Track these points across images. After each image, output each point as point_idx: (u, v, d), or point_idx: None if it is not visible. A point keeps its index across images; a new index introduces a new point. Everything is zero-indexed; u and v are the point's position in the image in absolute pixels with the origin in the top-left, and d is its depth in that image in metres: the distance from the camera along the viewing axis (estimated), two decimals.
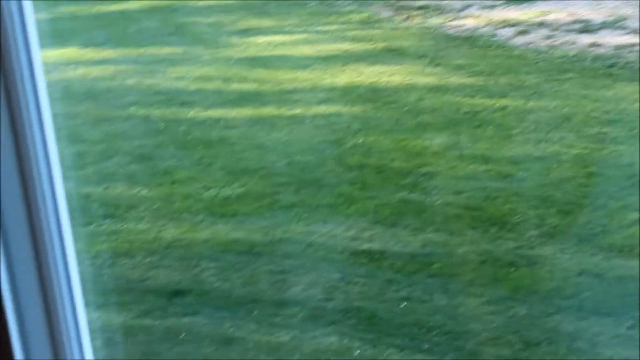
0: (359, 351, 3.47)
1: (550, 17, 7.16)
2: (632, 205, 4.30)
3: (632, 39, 6.31)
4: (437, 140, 5.32)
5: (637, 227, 4.08)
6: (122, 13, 9.16)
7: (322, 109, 6.04)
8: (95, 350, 3.68)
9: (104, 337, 3.64)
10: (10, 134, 1.06)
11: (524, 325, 3.61)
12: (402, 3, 7.99)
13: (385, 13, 8.03)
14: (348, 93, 6.37)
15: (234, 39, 7.91)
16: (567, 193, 4.54)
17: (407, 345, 3.54)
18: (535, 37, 6.77)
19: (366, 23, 8.18)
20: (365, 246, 4.23)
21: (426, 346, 3.48)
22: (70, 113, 5.72)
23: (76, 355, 1.28)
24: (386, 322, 3.73)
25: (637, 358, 3.06)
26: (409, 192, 4.68)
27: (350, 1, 8.38)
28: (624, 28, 6.70)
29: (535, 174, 4.83)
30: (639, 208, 4.26)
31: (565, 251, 4.04)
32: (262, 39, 7.79)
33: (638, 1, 6.83)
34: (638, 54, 6.16)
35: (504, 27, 7.14)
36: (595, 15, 6.97)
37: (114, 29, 8.59)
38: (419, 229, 4.30)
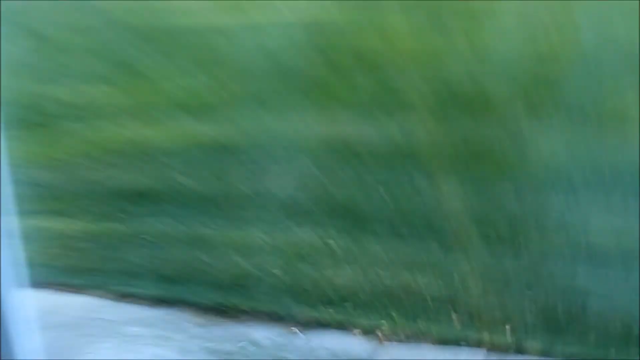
0: (337, 248, 3.17)
1: None
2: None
3: None
4: (426, 40, 4.72)
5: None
6: None
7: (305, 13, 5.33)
8: (56, 257, 3.36)
9: (61, 244, 3.46)
10: None
11: (507, 202, 3.34)
12: None
13: None
14: None
15: None
16: (568, 70, 4.18)
17: (386, 239, 3.25)
18: None
19: None
20: (346, 136, 3.90)
21: (408, 240, 3.19)
22: (34, 18, 5.32)
23: None
24: (367, 216, 3.46)
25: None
26: (393, 78, 4.30)
27: None
28: None
29: (529, 56, 4.37)
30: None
31: (565, 132, 3.69)
32: None
33: None
34: None
35: None
36: None
37: None
38: (404, 115, 3.98)
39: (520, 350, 2.57)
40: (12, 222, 1.15)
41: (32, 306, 1.18)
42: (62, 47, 5.32)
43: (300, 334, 2.77)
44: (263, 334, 2.78)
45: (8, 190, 1.09)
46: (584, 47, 4.40)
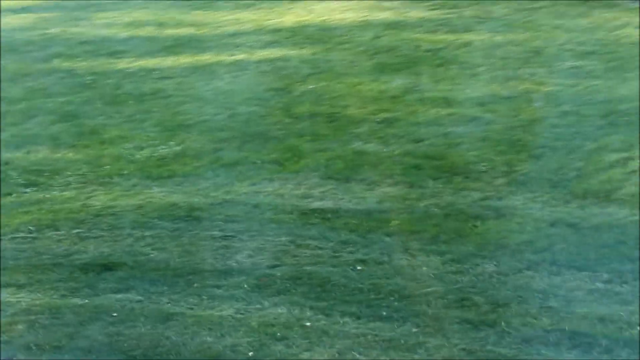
0: (309, 323, 3.18)
1: None
2: (609, 146, 4.11)
3: None
4: (395, 83, 5.21)
5: (615, 170, 3.83)
6: None
7: (267, 52, 5.86)
8: (19, 334, 3.28)
9: (29, 319, 3.33)
10: None
11: (492, 284, 3.32)
12: None
13: None
14: (296, 34, 6.26)
15: None
16: (538, 135, 4.40)
17: (363, 312, 3.25)
18: None
19: None
20: (315, 204, 3.97)
21: (384, 313, 3.19)
22: None
23: None
24: (340, 288, 3.42)
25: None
26: (364, 142, 4.56)
27: None
28: None
29: (503, 116, 4.69)
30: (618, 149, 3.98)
31: (536, 200, 3.83)
32: None
33: None
34: None
35: None
36: None
37: None
38: (376, 183, 4.07)
39: None
40: None
41: None
42: (28, 112, 5.47)
43: None
44: None
45: None
46: None
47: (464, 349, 2.91)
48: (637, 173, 3.92)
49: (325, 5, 6.29)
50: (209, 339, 3.11)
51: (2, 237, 3.91)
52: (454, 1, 6.16)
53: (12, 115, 5.09)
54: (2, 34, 6.33)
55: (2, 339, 3.24)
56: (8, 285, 3.58)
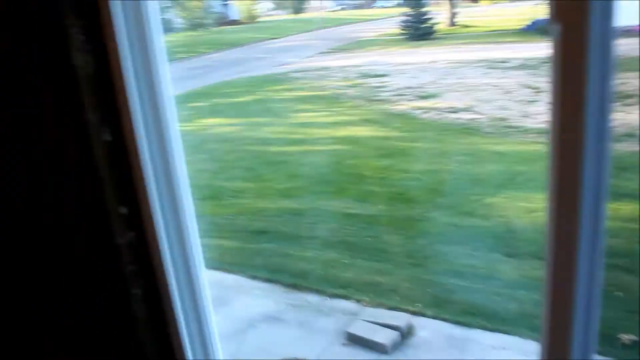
0: (345, 260, 7.04)
1: (438, 105, 11.83)
2: (476, 193, 8.43)
3: (475, 115, 10.86)
4: (385, 162, 9.69)
5: (477, 203, 8.30)
6: (240, 102, 15.28)
7: (332, 147, 10.77)
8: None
9: (228, 253, 7.49)
10: (160, 156, 1.57)
11: (422, 247, 7.25)
12: (370, 98, 13.30)
13: (362, 102, 13.25)
14: (344, 140, 11.22)
15: (292, 114, 13.44)
16: (445, 186, 8.70)
17: (368, 259, 7.00)
18: (431, 114, 11.54)
19: (353, 107, 13.50)
20: (350, 211, 8.27)
21: (376, 258, 7.06)
22: (216, 148, 10.51)
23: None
24: (358, 247, 7.37)
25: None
26: (371, 186, 8.91)
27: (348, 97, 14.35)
28: (471, 111, 11.57)
29: (429, 178, 8.97)
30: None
31: (442, 214, 7.95)
32: (305, 114, 13.31)
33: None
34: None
35: (416, 109, 11.86)
36: (458, 104, 11.55)
37: (236, 110, 14.91)
38: (375, 203, 8.47)
39: None
40: None
41: None
42: (224, 163, 10.35)
43: None
44: None
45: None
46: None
47: None
48: None
49: (356, 128, 11.79)
50: None
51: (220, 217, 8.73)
52: (410, 128, 11.57)
53: (227, 168, 10.36)
54: (224, 134, 12.19)
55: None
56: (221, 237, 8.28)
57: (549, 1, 1.13)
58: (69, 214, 1.56)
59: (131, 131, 1.47)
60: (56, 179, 1.53)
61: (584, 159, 1.17)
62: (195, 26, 28.46)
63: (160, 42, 1.50)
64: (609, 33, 1.12)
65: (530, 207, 7.79)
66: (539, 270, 6.58)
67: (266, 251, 7.47)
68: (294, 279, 6.60)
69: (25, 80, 1.46)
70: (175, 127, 1.58)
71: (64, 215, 1.56)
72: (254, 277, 6.75)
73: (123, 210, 1.53)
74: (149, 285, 1.62)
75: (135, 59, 1.45)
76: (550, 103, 1.19)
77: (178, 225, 1.61)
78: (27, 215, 1.61)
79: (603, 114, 1.15)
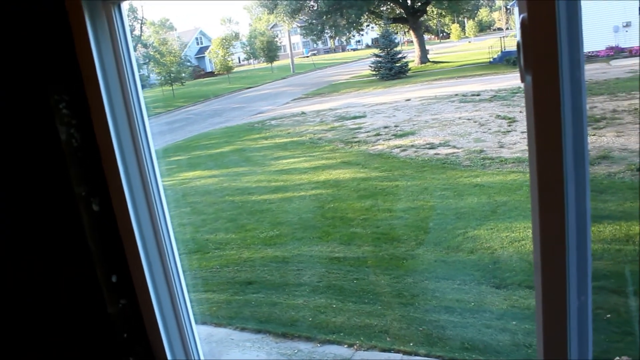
0: (334, 305, 7.00)
1: (415, 142, 12.00)
2: (460, 227, 8.54)
3: (453, 150, 11.05)
4: (367, 203, 9.75)
5: (461, 237, 8.39)
6: (219, 153, 15.40)
7: (313, 191, 10.81)
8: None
9: (216, 306, 7.48)
10: (148, 219, 1.64)
11: (410, 285, 7.26)
12: (348, 140, 13.32)
13: (341, 145, 13.13)
14: (325, 184, 11.31)
15: (272, 162, 13.44)
16: (429, 223, 8.80)
17: (357, 301, 7.02)
18: (409, 152, 11.64)
19: (332, 150, 13.62)
20: (336, 255, 8.30)
21: (366, 300, 7.05)
22: (196, 201, 10.52)
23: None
24: (347, 290, 7.36)
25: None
26: (355, 228, 8.97)
27: (326, 140, 14.57)
28: (448, 145, 11.69)
29: (412, 216, 9.08)
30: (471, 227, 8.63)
31: (427, 251, 7.99)
32: (284, 161, 13.39)
33: None
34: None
35: (394, 148, 11.99)
36: (434, 140, 11.77)
37: (216, 161, 15.04)
38: (360, 245, 8.51)
39: None
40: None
41: None
42: (206, 216, 10.37)
43: None
44: None
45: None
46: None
47: None
48: None
49: (336, 171, 11.79)
50: None
51: (203, 272, 8.76)
52: (389, 168, 11.62)
53: (209, 220, 10.18)
54: (204, 186, 12.17)
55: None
56: (207, 291, 8.33)
57: (519, 54, 1.19)
58: (60, 286, 1.57)
59: (120, 200, 1.50)
60: (46, 251, 1.55)
61: (565, 186, 1.22)
62: (170, 80, 28.67)
63: (140, 97, 1.55)
64: (577, 78, 1.18)
65: (513, 237, 7.86)
66: (527, 300, 6.61)
67: (254, 302, 7.42)
68: (284, 328, 6.53)
69: (13, 155, 1.49)
70: (161, 187, 1.61)
71: (55, 287, 1.58)
72: (243, 329, 6.73)
73: (114, 278, 1.56)
74: (143, 352, 1.62)
75: (118, 123, 1.49)
76: (528, 139, 1.25)
77: (168, 287, 1.63)
78: (18, 289, 1.63)
79: (578, 140, 1.21)
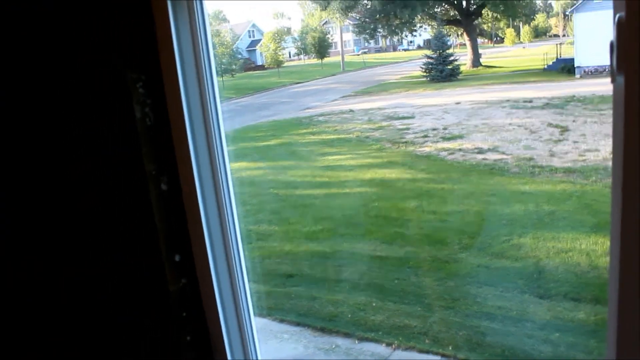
0: (374, 303, 6.97)
1: (464, 146, 11.83)
2: (505, 233, 8.42)
3: (501, 156, 10.84)
4: (411, 204, 9.69)
5: (506, 244, 8.26)
6: (267, 146, 15.57)
7: (358, 189, 10.79)
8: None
9: (256, 296, 7.37)
10: (215, 202, 1.63)
11: (451, 289, 7.15)
12: (395, 140, 13.15)
13: (388, 145, 13.07)
14: (370, 182, 11.23)
15: (318, 157, 13.47)
16: (473, 228, 8.69)
17: (398, 301, 6.97)
18: (457, 156, 11.46)
19: (379, 149, 13.52)
20: (377, 253, 8.28)
21: (406, 300, 6.97)
22: (241, 192, 10.61)
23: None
24: (387, 289, 7.31)
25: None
26: (398, 228, 8.92)
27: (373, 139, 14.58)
28: (497, 151, 11.48)
29: (457, 219, 8.97)
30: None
31: (470, 256, 7.91)
32: (330, 157, 13.35)
33: None
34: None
35: (442, 150, 11.82)
36: (483, 145, 11.57)
37: (262, 153, 15.10)
38: (403, 245, 8.47)
39: None
40: None
41: None
42: (249, 207, 10.48)
43: None
44: None
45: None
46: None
47: None
48: None
49: (383, 171, 11.85)
50: None
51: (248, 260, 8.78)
52: (436, 170, 11.56)
53: (252, 211, 10.20)
54: (250, 177, 12.39)
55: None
56: (250, 280, 8.31)
57: (612, 54, 1.17)
58: (125, 261, 1.61)
59: (189, 180, 1.53)
60: (114, 228, 1.59)
61: None
62: (222, 72, 28.93)
63: (215, 85, 1.57)
64: None
65: (560, 247, 7.72)
66: (572, 312, 6.46)
67: (294, 294, 7.45)
68: (322, 323, 6.55)
69: (89, 131, 1.54)
70: (228, 171, 1.63)
71: (120, 263, 1.61)
72: (282, 321, 6.75)
73: (177, 257, 1.59)
74: (200, 331, 1.65)
75: (191, 106, 1.51)
76: (613, 143, 1.22)
77: (229, 271, 1.65)
78: (85, 262, 1.67)
79: None
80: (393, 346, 6.09)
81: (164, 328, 1.63)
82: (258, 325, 6.73)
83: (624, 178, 1.18)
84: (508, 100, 18.24)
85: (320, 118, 19.72)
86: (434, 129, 15.32)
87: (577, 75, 19.64)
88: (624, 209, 1.20)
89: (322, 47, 36.87)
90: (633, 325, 1.27)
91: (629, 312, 1.26)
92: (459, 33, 32.54)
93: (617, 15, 1.12)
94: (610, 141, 1.32)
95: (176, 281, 1.58)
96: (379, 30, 32.00)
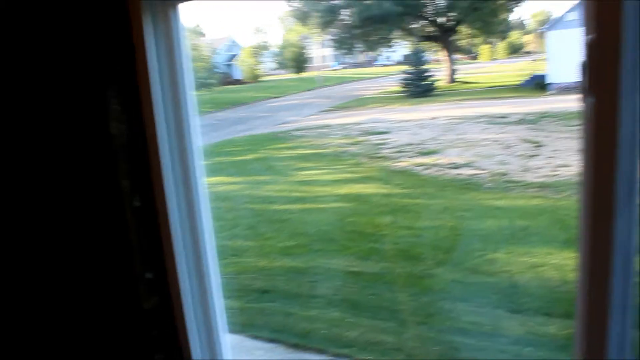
0: (349, 319, 6.78)
1: (439, 161, 11.96)
2: (479, 248, 8.45)
3: (476, 171, 10.98)
4: (387, 219, 9.69)
5: (480, 259, 8.28)
6: (241, 160, 15.50)
7: (334, 204, 10.79)
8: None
9: (229, 312, 7.58)
10: (188, 219, 1.65)
11: (426, 304, 7.02)
12: (372, 155, 13.40)
13: (364, 159, 13.27)
14: (346, 197, 11.27)
15: (294, 172, 13.52)
16: (448, 243, 8.72)
17: (372, 317, 6.80)
18: (432, 171, 11.58)
19: (355, 164, 13.61)
20: (353, 269, 8.12)
21: (380, 316, 6.83)
22: (217, 206, 10.54)
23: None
24: (362, 305, 7.16)
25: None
26: (374, 243, 8.87)
27: (349, 154, 14.76)
28: (472, 166, 11.68)
29: (431, 234, 8.97)
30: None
31: (445, 271, 7.79)
32: (306, 172, 13.39)
33: None
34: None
35: (417, 165, 11.95)
36: (458, 160, 11.70)
37: (238, 168, 15.04)
38: (378, 261, 8.36)
39: None
40: None
41: None
42: (224, 222, 10.42)
43: None
44: None
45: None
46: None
47: None
48: None
49: (358, 186, 11.76)
50: None
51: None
52: (411, 185, 11.54)
53: (227, 226, 10.09)
54: (226, 192, 12.22)
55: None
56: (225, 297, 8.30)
57: (584, 75, 1.19)
58: (98, 278, 1.60)
59: (162, 197, 1.53)
60: (88, 244, 1.58)
61: (615, 210, 1.20)
62: (199, 86, 28.88)
63: (191, 102, 1.57)
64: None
65: (533, 262, 7.76)
66: (544, 327, 6.48)
67: (268, 310, 7.35)
68: (297, 339, 6.43)
69: (64, 147, 1.53)
70: (203, 187, 1.63)
71: (92, 279, 1.60)
72: (256, 337, 6.64)
73: (149, 275, 1.58)
74: (172, 349, 1.64)
75: (168, 123, 1.52)
76: (582, 160, 1.24)
77: (202, 289, 1.64)
78: (57, 279, 1.65)
79: (632, 172, 1.20)
80: None
81: (135, 346, 1.62)
82: (232, 341, 6.64)
83: (591, 193, 1.20)
84: (483, 116, 18.43)
85: (297, 133, 19.73)
86: (409, 144, 15.40)
87: (551, 92, 19.94)
88: (593, 225, 1.23)
89: (300, 62, 36.98)
90: (598, 339, 1.29)
91: (595, 327, 1.29)
92: (436, 49, 32.85)
93: (588, 37, 1.15)
94: None
95: (148, 299, 1.56)
96: (357, 45, 32.20)
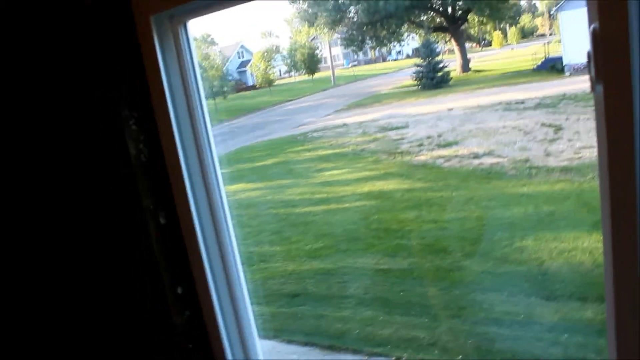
0: (381, 317, 6.83)
1: (459, 152, 11.86)
2: (506, 237, 8.41)
3: (497, 159, 10.86)
4: (411, 214, 9.67)
5: (508, 248, 8.22)
6: (262, 166, 15.47)
7: (357, 203, 10.79)
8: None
9: (262, 319, 7.25)
10: (213, 230, 1.65)
11: (457, 297, 7.04)
12: (391, 151, 13.32)
13: (384, 156, 13.23)
14: (369, 195, 11.24)
15: (315, 174, 13.50)
16: (474, 234, 8.63)
17: (404, 313, 6.67)
18: (453, 162, 11.50)
19: (375, 162, 13.59)
20: (381, 266, 8.18)
21: (413, 312, 6.85)
22: (240, 214, 10.60)
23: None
24: (393, 302, 7.20)
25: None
26: (400, 239, 8.88)
27: (368, 152, 14.77)
28: (493, 155, 11.59)
29: (457, 226, 8.93)
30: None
31: (474, 262, 7.80)
32: (327, 173, 13.40)
33: None
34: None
35: (438, 158, 11.85)
36: (479, 150, 11.60)
37: (259, 174, 15.05)
38: (406, 256, 8.39)
39: None
40: None
41: None
42: (250, 229, 10.46)
43: None
44: None
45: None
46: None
47: None
48: None
49: (380, 183, 11.74)
50: None
51: (251, 282, 8.75)
52: (433, 178, 11.46)
53: (253, 233, 10.14)
54: (248, 199, 12.28)
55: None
56: (253, 303, 8.30)
57: (590, 64, 1.18)
58: (128, 297, 1.62)
59: (186, 213, 1.54)
60: (116, 263, 1.60)
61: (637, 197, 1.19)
62: (213, 95, 29.03)
63: (205, 113, 1.59)
64: None
65: (562, 247, 7.69)
66: (579, 312, 6.43)
67: (300, 314, 7.39)
68: (330, 340, 6.45)
69: (86, 170, 1.55)
70: (225, 197, 1.64)
71: (123, 298, 1.62)
72: (290, 342, 6.65)
73: (179, 290, 1.60)
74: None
75: (184, 138, 1.53)
76: (598, 150, 1.23)
77: (232, 299, 1.66)
78: (88, 299, 1.68)
79: None
80: (403, 359, 6.06)
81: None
82: (266, 347, 6.60)
83: (610, 182, 1.19)
84: (500, 103, 18.28)
85: (315, 134, 19.75)
86: (428, 137, 15.33)
87: (567, 73, 19.72)
88: (612, 213, 1.22)
89: (312, 63, 37.01)
90: (632, 325, 1.27)
91: (627, 311, 1.27)
92: (447, 39, 32.70)
93: (592, 26, 1.13)
94: None
95: (180, 313, 1.58)
96: (367, 42, 32.16)
